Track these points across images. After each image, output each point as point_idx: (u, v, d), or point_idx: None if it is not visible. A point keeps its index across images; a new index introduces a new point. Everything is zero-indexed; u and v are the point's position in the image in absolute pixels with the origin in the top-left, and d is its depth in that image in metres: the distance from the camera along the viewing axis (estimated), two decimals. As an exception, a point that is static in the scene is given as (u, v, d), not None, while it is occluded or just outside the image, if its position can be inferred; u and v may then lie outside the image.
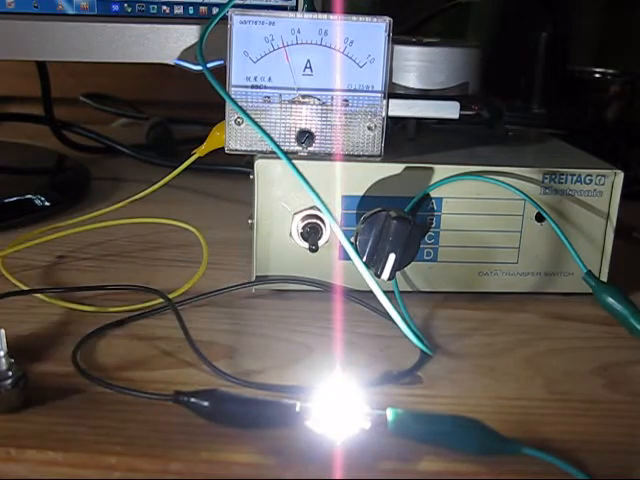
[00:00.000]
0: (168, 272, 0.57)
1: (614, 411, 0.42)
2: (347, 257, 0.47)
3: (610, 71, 0.98)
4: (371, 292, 0.45)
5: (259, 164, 0.51)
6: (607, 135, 0.91)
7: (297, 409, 0.37)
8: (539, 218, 0.52)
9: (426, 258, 0.53)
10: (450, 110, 0.52)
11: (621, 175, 0.53)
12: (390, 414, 0.37)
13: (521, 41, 0.88)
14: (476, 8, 0.95)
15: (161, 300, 0.50)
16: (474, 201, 0.52)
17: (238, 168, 0.78)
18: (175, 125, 0.96)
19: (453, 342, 0.48)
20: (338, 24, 0.51)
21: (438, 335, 0.49)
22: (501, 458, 0.37)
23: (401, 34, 0.57)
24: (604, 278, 0.54)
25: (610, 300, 0.48)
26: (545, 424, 0.40)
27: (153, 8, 0.70)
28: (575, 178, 0.52)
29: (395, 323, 0.45)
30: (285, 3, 0.73)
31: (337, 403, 0.37)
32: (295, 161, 0.47)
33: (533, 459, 0.36)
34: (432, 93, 0.54)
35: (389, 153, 0.52)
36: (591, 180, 0.52)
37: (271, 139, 0.46)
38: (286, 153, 0.46)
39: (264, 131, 0.47)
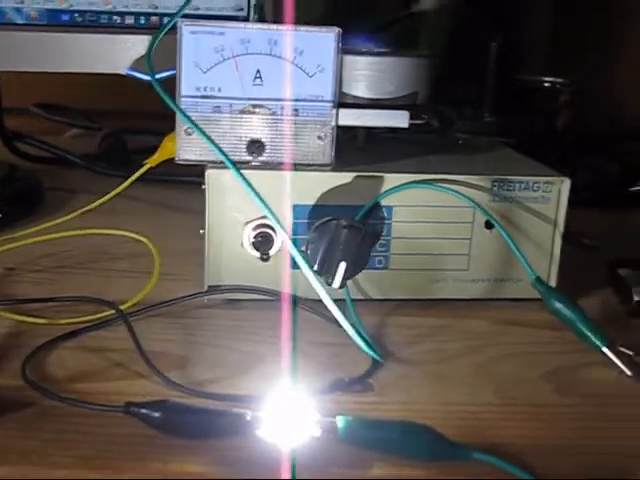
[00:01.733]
0: (120, 283, 0.57)
1: (563, 414, 0.43)
2: (299, 266, 0.47)
3: (559, 80, 0.99)
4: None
5: (210, 174, 0.51)
6: (556, 143, 0.92)
7: (248, 418, 0.37)
8: (488, 225, 0.53)
9: (378, 266, 0.53)
10: (399, 119, 0.53)
11: (568, 182, 0.54)
12: (340, 421, 0.37)
13: (472, 51, 0.89)
14: (428, 19, 0.96)
15: (113, 311, 0.50)
16: (424, 209, 0.52)
17: (191, 178, 0.78)
18: (130, 135, 0.96)
19: (404, 349, 0.48)
20: (288, 34, 0.51)
21: (390, 342, 0.49)
22: (450, 463, 0.37)
23: (356, 43, 0.57)
24: (553, 284, 0.55)
25: (559, 305, 0.49)
26: (495, 429, 0.41)
27: (104, 18, 0.70)
28: (523, 185, 0.53)
29: (345, 331, 0.45)
30: (236, 13, 0.73)
31: (288, 411, 0.37)
32: (246, 171, 0.47)
33: (482, 464, 0.37)
34: (382, 102, 0.54)
35: (340, 162, 0.52)
36: (539, 187, 0.53)
37: (219, 149, 0.46)
38: (236, 163, 0.46)
39: (212, 141, 0.47)
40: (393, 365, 0.47)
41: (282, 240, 0.51)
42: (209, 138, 0.47)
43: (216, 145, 0.47)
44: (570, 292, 0.53)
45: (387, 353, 0.48)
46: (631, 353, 0.47)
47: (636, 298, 0.54)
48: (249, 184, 0.45)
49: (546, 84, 1.00)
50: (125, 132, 0.96)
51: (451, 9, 0.94)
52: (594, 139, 1.02)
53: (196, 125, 0.48)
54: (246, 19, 0.71)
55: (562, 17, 1.08)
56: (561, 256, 0.55)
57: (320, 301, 0.46)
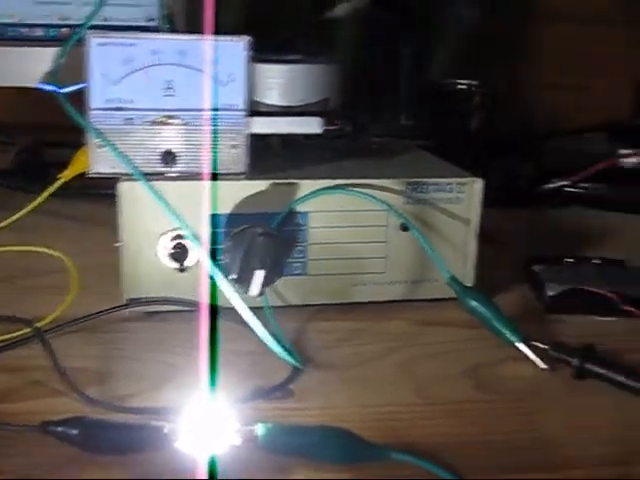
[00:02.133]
0: (38, 300, 0.56)
1: (483, 410, 0.44)
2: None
3: (473, 83, 1.01)
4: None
5: (123, 187, 0.50)
6: (470, 144, 0.94)
7: (165, 431, 0.37)
8: (404, 227, 0.54)
9: (296, 272, 0.53)
10: (312, 126, 0.53)
11: (480, 183, 0.55)
12: (260, 429, 0.37)
13: (387, 55, 0.90)
14: (342, 25, 0.97)
15: (29, 329, 0.49)
16: (340, 214, 0.53)
17: (112, 191, 0.77)
18: (48, 149, 0.94)
19: (324, 353, 0.49)
20: (198, 44, 0.51)
21: (310, 347, 0.49)
22: (370, 464, 0.37)
23: (269, 51, 0.58)
24: (469, 282, 0.55)
25: (474, 303, 0.50)
26: (415, 428, 0.41)
27: (12, 31, 0.69)
28: (436, 187, 0.54)
29: (262, 339, 0.46)
30: (147, 24, 0.73)
31: (207, 421, 0.37)
32: (161, 182, 0.46)
33: (402, 463, 0.37)
34: (295, 109, 0.55)
35: (255, 170, 0.53)
36: (452, 188, 0.54)
37: (128, 161, 0.46)
38: (150, 175, 0.46)
39: (121, 154, 0.47)
40: (313, 370, 0.47)
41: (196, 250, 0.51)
42: (118, 151, 0.47)
43: (125, 157, 0.46)
44: (488, 290, 0.54)
45: (307, 358, 0.48)
46: (546, 347, 0.48)
47: (550, 293, 0.55)
48: (159, 196, 0.45)
49: (460, 86, 1.01)
50: (43, 146, 0.94)
51: (365, 15, 0.95)
52: (507, 140, 1.05)
53: (105, 138, 0.48)
54: (157, 29, 0.71)
55: (473, 22, 1.10)
56: (478, 255, 0.56)
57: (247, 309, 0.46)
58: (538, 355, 0.48)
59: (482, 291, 0.52)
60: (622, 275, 0.58)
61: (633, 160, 0.83)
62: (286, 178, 0.52)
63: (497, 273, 0.62)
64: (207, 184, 0.52)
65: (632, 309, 0.53)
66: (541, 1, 1.16)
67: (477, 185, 0.55)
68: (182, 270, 0.51)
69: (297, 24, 0.87)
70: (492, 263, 0.61)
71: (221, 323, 0.51)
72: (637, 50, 1.01)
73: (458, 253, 0.55)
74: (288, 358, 0.46)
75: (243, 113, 0.52)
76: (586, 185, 0.83)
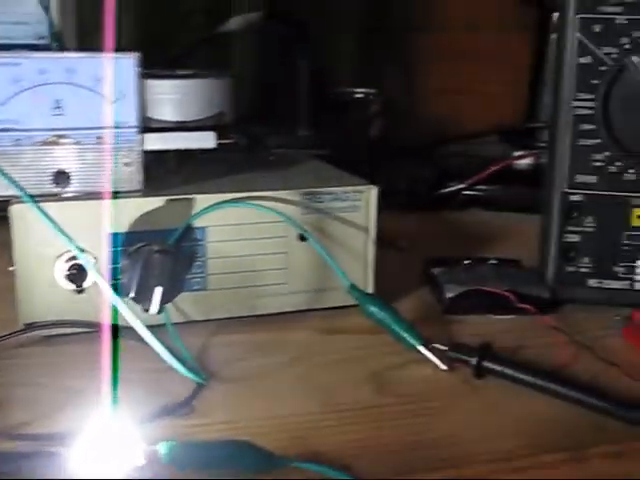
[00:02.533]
0: None
1: (385, 414, 0.44)
2: (118, 295, 0.47)
3: (371, 91, 1.02)
4: (147, 327, 0.45)
5: (14, 209, 0.49)
6: (371, 151, 0.95)
7: (63, 456, 0.36)
8: (302, 238, 0.54)
9: (196, 287, 0.53)
10: (206, 140, 0.53)
11: (375, 190, 0.56)
12: (163, 447, 0.37)
13: (284, 67, 0.91)
14: (239, 38, 0.97)
15: None
16: (238, 227, 0.53)
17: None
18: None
19: (228, 368, 0.49)
20: (87, 62, 0.50)
21: (213, 362, 0.49)
22: (274, 475, 0.37)
23: (162, 67, 0.57)
24: (370, 289, 0.56)
25: (374, 309, 0.51)
26: (320, 436, 0.42)
27: None
28: (333, 196, 0.55)
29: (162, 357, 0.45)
30: (37, 42, 0.71)
31: (108, 443, 0.36)
32: (56, 203, 0.46)
33: (305, 472, 0.37)
34: (188, 125, 0.55)
35: (151, 186, 0.52)
36: (348, 197, 0.55)
37: (16, 184, 0.45)
38: (40, 196, 0.45)
39: (8, 176, 0.46)
40: (217, 385, 0.47)
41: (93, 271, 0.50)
42: (4, 173, 0.46)
43: (12, 179, 0.46)
44: (389, 295, 0.55)
45: (211, 373, 0.48)
46: (445, 348, 0.49)
47: (448, 295, 0.56)
48: (49, 217, 0.44)
49: (358, 95, 1.03)
50: None
51: (260, 29, 0.96)
52: (406, 145, 1.06)
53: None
54: (47, 48, 0.70)
55: (368, 32, 1.12)
56: (379, 261, 0.57)
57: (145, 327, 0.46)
58: (438, 357, 0.49)
59: (382, 297, 0.52)
60: (517, 274, 0.60)
61: (526, 161, 0.86)
62: (182, 194, 0.52)
63: (398, 278, 0.63)
64: (102, 203, 0.51)
65: (527, 307, 0.55)
66: (434, 8, 1.19)
67: (373, 192, 0.56)
68: (80, 291, 0.50)
69: (191, 39, 0.86)
70: (393, 268, 0.63)
71: (123, 342, 0.50)
72: (527, 55, 1.04)
73: (358, 260, 0.56)
74: (190, 375, 0.46)
75: (135, 130, 0.51)
76: (482, 187, 0.85)
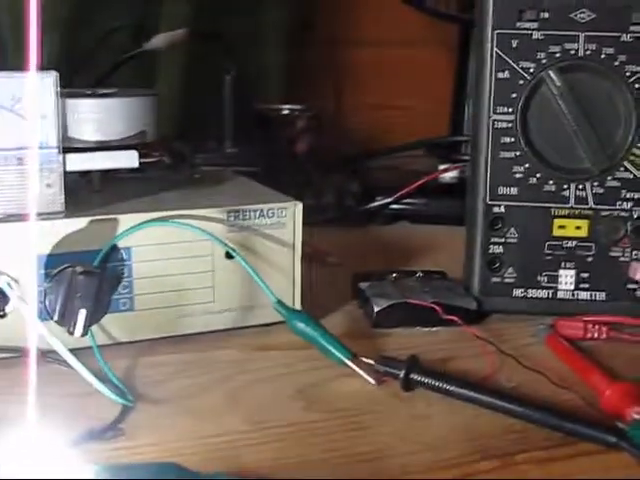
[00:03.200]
0: None
1: (314, 430, 0.44)
2: (42, 318, 0.46)
3: (297, 107, 1.03)
4: (73, 350, 0.45)
5: None
6: (300, 167, 0.95)
7: (-15, 486, 0.35)
8: (229, 255, 0.54)
9: (123, 308, 0.52)
10: (129, 159, 0.53)
11: (300, 206, 0.56)
12: (88, 471, 0.36)
13: (210, 84, 0.91)
14: (163, 56, 0.97)
15: None
16: (164, 246, 0.53)
17: None
18: None
19: (156, 388, 0.48)
20: (4, 81, 0.49)
21: (141, 383, 0.49)
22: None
23: (86, 86, 0.57)
24: (298, 305, 0.56)
25: (301, 326, 0.51)
26: (248, 455, 0.42)
27: None
28: (258, 213, 0.55)
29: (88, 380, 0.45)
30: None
31: (33, 469, 0.36)
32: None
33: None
34: (110, 144, 0.54)
35: (74, 208, 0.52)
36: (273, 214, 0.55)
37: None
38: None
39: None
40: (145, 406, 0.46)
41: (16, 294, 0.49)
42: None
43: None
44: (317, 310, 0.56)
45: (138, 395, 0.47)
46: (373, 362, 0.49)
47: (376, 309, 0.57)
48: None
49: (285, 111, 1.03)
50: None
51: (183, 45, 0.95)
52: (335, 160, 1.07)
53: None
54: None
55: (293, 47, 1.13)
56: (308, 276, 0.57)
57: (71, 351, 0.45)
58: (366, 371, 0.49)
59: (310, 312, 0.53)
60: (444, 286, 0.60)
61: (451, 174, 0.87)
62: (106, 214, 0.52)
63: (327, 293, 0.63)
64: (24, 225, 0.50)
65: (454, 318, 0.56)
66: (361, 24, 1.20)
67: (298, 208, 0.56)
68: (2, 316, 0.49)
69: (116, 57, 0.86)
70: (322, 283, 0.63)
71: (49, 367, 0.49)
72: (452, 70, 1.05)
73: (285, 277, 0.56)
74: (116, 397, 0.45)
75: (56, 151, 0.51)
76: (409, 201, 0.86)
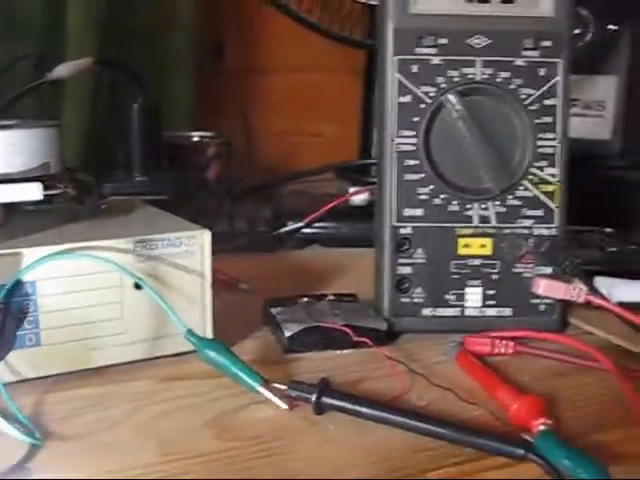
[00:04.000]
0: None
1: (224, 459, 0.44)
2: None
3: (207, 134, 1.03)
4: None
5: None
6: (210, 194, 0.95)
7: None
8: (138, 286, 0.53)
9: (29, 344, 0.51)
10: (32, 192, 0.52)
11: (208, 234, 0.56)
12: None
13: (118, 113, 0.90)
14: (71, 85, 0.96)
15: None
16: (71, 279, 0.52)
17: None
18: None
19: (65, 425, 0.47)
20: None
21: (50, 420, 0.48)
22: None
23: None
24: (209, 333, 0.56)
25: (212, 354, 0.50)
26: (160, 487, 0.41)
27: None
28: (166, 242, 0.54)
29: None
30: None
31: None
32: None
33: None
34: (13, 177, 0.53)
35: (-26, 243, 0.50)
36: (181, 242, 0.55)
37: None
38: None
39: None
40: (54, 444, 0.45)
41: None
42: None
43: None
44: (229, 337, 0.56)
45: (47, 433, 0.46)
46: (284, 387, 0.49)
47: (287, 334, 0.57)
48: None
49: (195, 139, 1.03)
50: None
51: (90, 74, 0.95)
52: (247, 186, 1.07)
53: None
54: None
55: (201, 76, 1.13)
56: (221, 303, 0.57)
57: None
58: (278, 396, 0.49)
59: (221, 340, 0.52)
60: (354, 308, 0.61)
61: (361, 197, 0.88)
62: (9, 248, 0.51)
63: (239, 320, 0.63)
64: None
65: (364, 340, 0.56)
66: (270, 51, 1.21)
67: (206, 236, 0.56)
68: None
69: (19, 87, 0.84)
70: (235, 310, 0.63)
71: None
72: (359, 95, 1.07)
73: (195, 305, 0.56)
74: (23, 437, 0.44)
75: (-45, 185, 0.50)
76: (320, 225, 0.87)
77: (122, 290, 0.53)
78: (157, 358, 0.56)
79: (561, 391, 0.52)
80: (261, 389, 0.49)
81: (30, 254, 0.51)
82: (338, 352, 0.58)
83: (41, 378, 0.52)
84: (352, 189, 0.89)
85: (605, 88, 1.06)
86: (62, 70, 0.83)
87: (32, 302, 0.51)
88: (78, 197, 0.57)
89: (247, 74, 1.21)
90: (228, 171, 0.99)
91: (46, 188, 0.54)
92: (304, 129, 1.25)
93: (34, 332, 0.51)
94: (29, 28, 0.96)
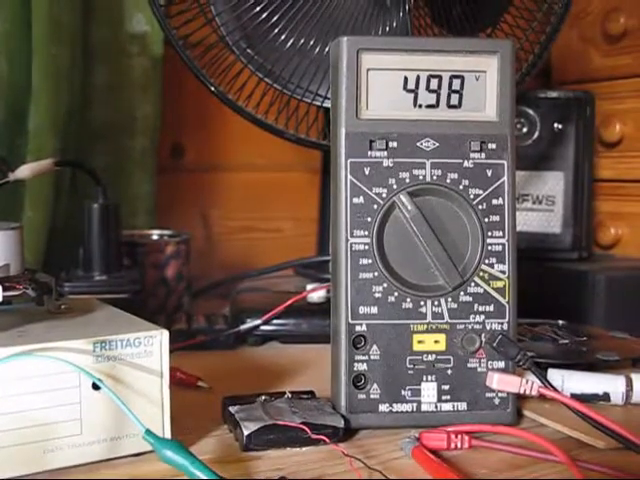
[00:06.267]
0: None
1: None
2: None
3: (166, 232, 1.05)
4: None
5: None
6: (170, 292, 0.96)
7: None
8: (96, 386, 0.54)
9: (-16, 447, 0.51)
10: (-9, 294, 0.53)
11: (166, 333, 0.56)
12: None
13: (78, 212, 0.91)
14: (31, 184, 0.97)
15: None
16: (29, 380, 0.52)
17: None
18: None
19: (20, 529, 0.47)
20: None
21: (4, 525, 0.47)
22: None
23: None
24: (168, 433, 0.56)
25: (169, 454, 0.50)
26: None
27: None
28: (124, 343, 0.55)
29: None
30: None
31: None
32: None
33: None
34: (-28, 279, 0.54)
35: None
36: (140, 342, 0.55)
37: None
38: None
39: None
40: None
41: None
42: None
43: None
44: (189, 436, 0.56)
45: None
46: (243, 486, 0.50)
47: (246, 432, 0.57)
48: None
49: (154, 237, 1.04)
50: None
51: (50, 175, 0.96)
52: (206, 284, 1.09)
53: None
54: None
55: (160, 175, 1.15)
56: (180, 403, 0.57)
57: None
58: (237, 496, 0.49)
59: (179, 440, 0.52)
60: (312, 405, 0.61)
61: (319, 294, 0.90)
62: (-33, 350, 0.51)
63: (198, 419, 0.63)
64: None
65: (322, 437, 0.57)
66: (229, 149, 1.24)
67: (164, 336, 0.56)
68: None
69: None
70: (194, 409, 0.63)
71: None
72: (315, 191, 1.10)
73: (153, 405, 0.56)
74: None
75: None
76: (279, 321, 0.88)
77: (80, 391, 0.54)
78: (116, 459, 0.56)
79: (517, 484, 0.53)
80: (219, 489, 0.49)
81: (-12, 356, 0.51)
82: (296, 449, 0.58)
83: (-4, 482, 0.52)
84: (310, 286, 0.91)
85: (554, 183, 1.10)
86: (24, 171, 0.84)
87: (-11, 404, 0.51)
88: (37, 297, 0.58)
89: (206, 172, 1.23)
90: (187, 268, 1.00)
91: (5, 289, 0.54)
92: (264, 226, 1.27)
93: (-10, 435, 0.51)
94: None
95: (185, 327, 0.87)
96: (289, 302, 0.87)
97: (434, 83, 0.62)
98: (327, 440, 0.57)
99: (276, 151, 1.23)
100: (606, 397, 0.66)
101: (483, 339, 0.62)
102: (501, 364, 0.62)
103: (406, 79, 0.62)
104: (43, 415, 0.53)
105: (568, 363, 0.71)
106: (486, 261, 0.62)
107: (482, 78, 0.63)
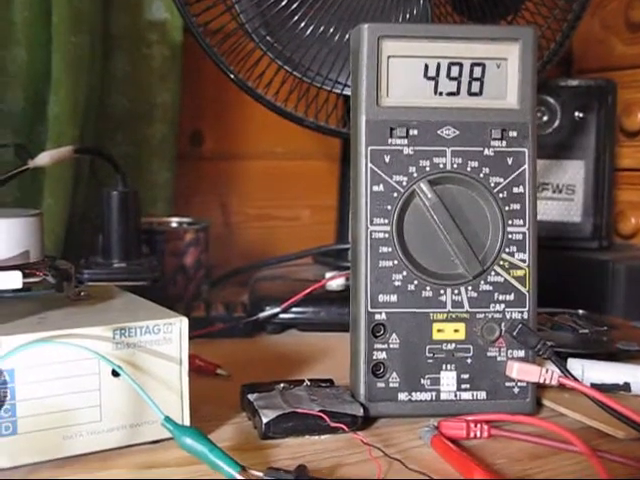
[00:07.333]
0: None
1: None
2: None
3: (185, 220, 1.05)
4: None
5: None
6: (188, 280, 0.96)
7: None
8: (115, 373, 0.54)
9: (5, 433, 0.51)
10: (12, 280, 0.53)
11: (186, 321, 0.56)
12: None
13: (97, 199, 0.91)
14: (51, 172, 0.97)
15: None
16: (49, 367, 0.52)
17: None
18: None
19: (40, 514, 0.47)
20: None
21: (25, 510, 0.48)
22: None
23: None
24: (187, 420, 0.56)
25: (189, 441, 0.51)
26: None
27: None
28: (144, 330, 0.55)
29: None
30: None
31: None
32: None
33: None
34: (-7, 266, 0.54)
35: (-47, 332, 0.51)
36: (159, 330, 0.55)
37: None
38: None
39: None
40: (28, 534, 0.45)
41: None
42: None
43: None
44: (208, 424, 0.56)
45: (22, 523, 0.46)
46: (261, 474, 0.49)
47: (264, 420, 0.57)
48: None
49: (173, 224, 1.05)
50: None
51: (70, 162, 0.96)
52: (225, 272, 1.09)
53: None
54: None
55: (184, 162, 1.15)
56: (199, 390, 0.58)
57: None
58: (255, 483, 0.49)
59: (198, 427, 0.52)
60: (331, 394, 0.61)
61: (338, 282, 0.90)
62: (-13, 336, 0.51)
63: (217, 406, 0.63)
64: None
65: (341, 425, 0.57)
66: (248, 137, 1.24)
67: (184, 323, 0.56)
68: None
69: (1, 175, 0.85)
70: (213, 397, 0.64)
71: None
72: (335, 181, 1.09)
73: (173, 392, 0.56)
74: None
75: (-64, 275, 0.50)
76: (298, 309, 0.88)
77: (100, 377, 0.54)
78: (134, 445, 0.56)
79: (537, 474, 0.53)
80: (238, 476, 0.49)
81: (8, 342, 0.51)
82: (315, 438, 0.58)
83: (16, 467, 0.52)
84: (329, 274, 0.90)
85: (574, 172, 1.09)
86: (44, 158, 0.84)
87: (10, 390, 0.51)
88: (57, 284, 0.58)
89: (225, 160, 1.23)
90: (206, 256, 1.00)
91: (25, 276, 0.54)
92: (282, 214, 1.27)
93: (11, 421, 0.52)
94: (11, 117, 0.98)
95: (204, 315, 0.87)
96: (308, 290, 0.86)
97: (455, 70, 0.62)
98: (346, 428, 0.57)
99: (295, 139, 1.23)
100: (626, 387, 0.66)
101: (503, 328, 0.62)
102: (521, 353, 0.62)
103: (427, 66, 0.62)
104: (62, 402, 0.53)
105: (588, 353, 0.70)
106: (506, 250, 0.61)
107: (503, 66, 0.62)
